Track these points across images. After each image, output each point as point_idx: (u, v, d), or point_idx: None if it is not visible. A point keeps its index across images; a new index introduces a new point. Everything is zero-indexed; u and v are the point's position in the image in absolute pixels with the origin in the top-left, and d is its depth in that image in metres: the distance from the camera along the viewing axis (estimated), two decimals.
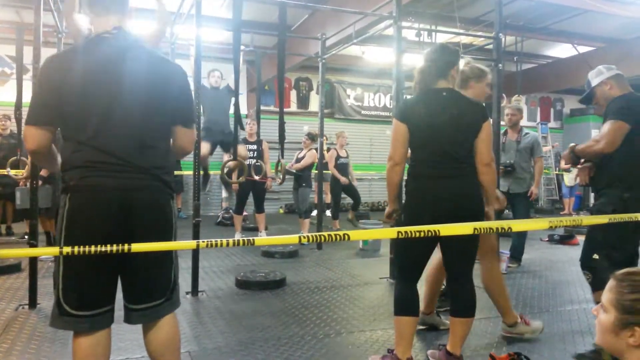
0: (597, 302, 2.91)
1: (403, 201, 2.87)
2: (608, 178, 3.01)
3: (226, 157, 6.74)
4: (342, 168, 8.35)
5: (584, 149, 3.13)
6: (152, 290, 2.06)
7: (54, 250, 1.83)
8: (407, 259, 2.79)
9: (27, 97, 4.69)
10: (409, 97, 2.91)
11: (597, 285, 2.97)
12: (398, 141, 2.70)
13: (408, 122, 2.68)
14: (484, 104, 2.96)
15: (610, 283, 1.50)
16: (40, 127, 1.94)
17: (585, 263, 3.06)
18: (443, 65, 2.72)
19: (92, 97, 1.92)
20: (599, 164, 3.08)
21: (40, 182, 5.78)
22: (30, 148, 1.96)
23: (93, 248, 1.79)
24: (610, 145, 2.92)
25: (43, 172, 5.99)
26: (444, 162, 2.65)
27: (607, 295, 1.49)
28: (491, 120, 4.57)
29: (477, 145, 2.67)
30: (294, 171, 7.60)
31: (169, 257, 2.09)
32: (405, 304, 2.73)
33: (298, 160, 7.67)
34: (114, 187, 1.94)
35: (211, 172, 7.84)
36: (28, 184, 5.79)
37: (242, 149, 6.34)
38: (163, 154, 2.09)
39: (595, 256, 2.96)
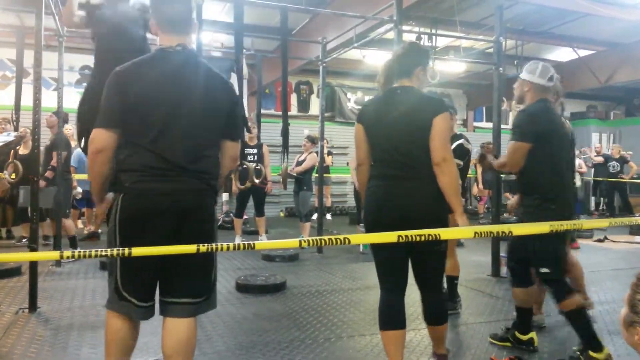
0: (562, 310, 2.94)
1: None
2: (535, 194, 3.04)
3: None
4: None
5: (498, 166, 3.36)
6: (196, 287, 2.19)
7: (54, 254, 1.83)
8: (383, 269, 2.66)
9: (27, 101, 4.74)
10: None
11: (561, 295, 2.98)
12: (357, 142, 2.71)
13: (363, 123, 2.66)
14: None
15: (633, 280, 1.48)
16: (108, 129, 2.07)
17: (540, 277, 3.06)
18: (407, 64, 2.62)
19: (154, 106, 2.09)
20: (524, 181, 3.13)
21: (44, 184, 5.83)
22: (96, 148, 2.08)
23: (94, 252, 1.79)
24: (513, 166, 3.08)
25: (48, 174, 6.03)
26: (395, 162, 2.54)
27: (627, 291, 1.48)
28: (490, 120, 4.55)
29: (430, 142, 2.48)
30: (295, 175, 7.60)
31: (212, 259, 2.24)
32: (386, 317, 2.60)
33: (299, 164, 7.67)
34: (165, 191, 2.09)
35: None
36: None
37: None
38: (214, 161, 2.27)
39: (546, 270, 2.95)
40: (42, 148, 4.64)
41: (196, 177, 2.15)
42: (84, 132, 2.78)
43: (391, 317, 2.60)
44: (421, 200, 2.50)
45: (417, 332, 3.56)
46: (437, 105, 2.56)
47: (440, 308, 2.72)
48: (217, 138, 2.28)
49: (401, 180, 2.53)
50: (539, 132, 2.96)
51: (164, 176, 2.09)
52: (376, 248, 2.66)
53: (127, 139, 2.11)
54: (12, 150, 6.13)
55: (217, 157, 2.29)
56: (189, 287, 2.18)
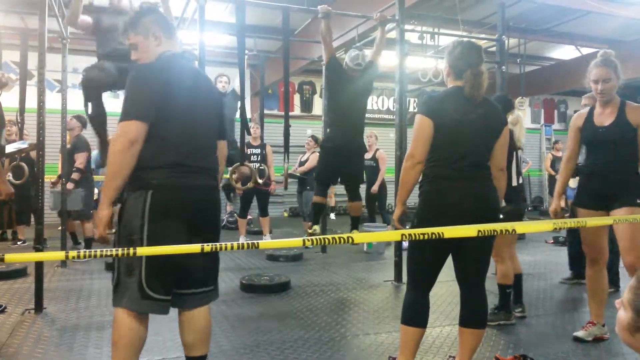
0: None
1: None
2: None
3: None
4: (367, 171, 7.53)
5: None
6: (207, 277, 2.36)
7: (60, 254, 1.85)
8: (419, 266, 2.63)
9: (31, 103, 4.76)
10: (434, 92, 2.75)
11: None
12: (422, 138, 2.50)
13: (435, 119, 2.50)
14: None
15: (632, 282, 1.41)
16: (143, 122, 2.08)
17: None
18: (462, 66, 2.56)
19: (178, 104, 2.18)
20: None
21: (73, 186, 5.98)
22: (130, 140, 2.05)
23: (99, 252, 1.81)
24: None
25: (75, 176, 6.11)
26: (467, 163, 2.52)
27: (627, 294, 1.40)
28: None
29: (495, 150, 2.61)
30: (298, 175, 7.60)
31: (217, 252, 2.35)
32: (413, 314, 2.60)
33: (301, 164, 7.67)
34: (195, 186, 2.22)
35: None
36: (58, 186, 5.91)
37: None
38: (216, 159, 2.47)
39: None
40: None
41: (210, 173, 2.33)
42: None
43: (418, 314, 2.60)
44: (492, 198, 2.59)
45: (432, 329, 3.53)
46: (504, 115, 2.70)
47: (484, 309, 2.64)
48: (215, 137, 2.45)
49: (474, 181, 2.55)
50: None
51: (189, 173, 2.19)
52: (421, 247, 2.54)
53: (151, 134, 2.12)
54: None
55: (217, 155, 2.48)
56: (204, 277, 2.33)
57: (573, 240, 5.16)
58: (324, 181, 5.00)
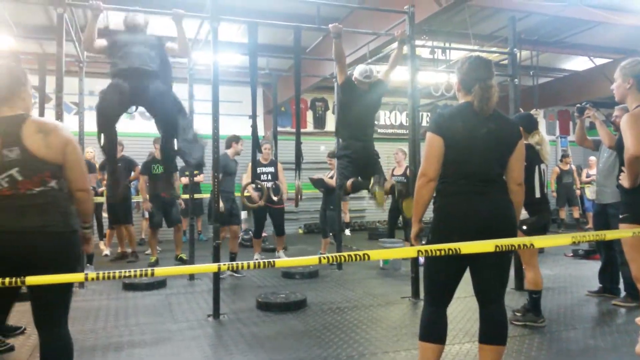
0: None
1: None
2: None
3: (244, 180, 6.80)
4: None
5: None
6: None
7: (79, 276, 1.86)
8: (435, 282, 2.63)
9: None
10: (443, 110, 2.72)
11: None
12: (433, 156, 2.53)
13: (445, 136, 2.52)
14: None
15: None
16: None
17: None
18: (471, 81, 2.57)
19: None
20: None
21: None
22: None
23: (117, 273, 1.82)
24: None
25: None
26: (478, 178, 2.52)
27: None
28: None
29: (511, 164, 2.58)
30: (328, 185, 7.50)
31: None
32: (431, 330, 2.59)
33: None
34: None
35: None
36: None
37: None
38: None
39: None
40: None
41: None
42: None
43: (435, 330, 2.59)
44: (504, 212, 2.55)
45: (452, 346, 3.49)
46: (518, 129, 2.65)
47: (504, 325, 2.58)
48: None
49: (486, 195, 2.52)
50: None
51: None
52: (437, 262, 2.53)
53: None
54: None
55: None
56: None
57: (604, 253, 5.06)
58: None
